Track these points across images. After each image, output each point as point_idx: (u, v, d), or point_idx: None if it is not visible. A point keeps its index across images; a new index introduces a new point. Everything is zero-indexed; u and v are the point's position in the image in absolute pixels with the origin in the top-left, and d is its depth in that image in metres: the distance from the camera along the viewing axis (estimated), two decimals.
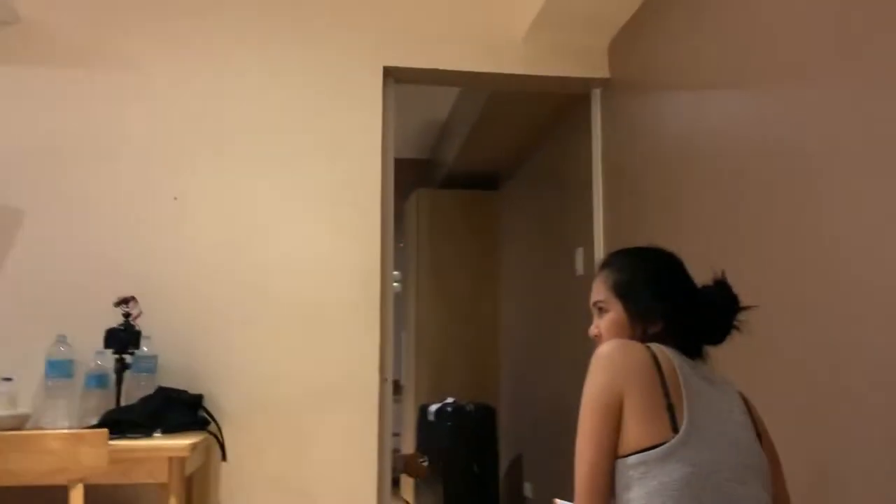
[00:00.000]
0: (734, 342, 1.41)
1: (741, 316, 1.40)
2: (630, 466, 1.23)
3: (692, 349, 1.40)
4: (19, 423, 2.36)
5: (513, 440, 4.83)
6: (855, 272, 1.62)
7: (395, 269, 3.20)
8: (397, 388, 5.52)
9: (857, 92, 1.64)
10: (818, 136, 1.76)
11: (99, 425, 2.26)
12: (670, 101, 2.59)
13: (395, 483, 5.30)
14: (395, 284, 3.11)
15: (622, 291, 1.44)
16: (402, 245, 5.73)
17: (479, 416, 4.63)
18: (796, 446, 1.68)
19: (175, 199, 2.83)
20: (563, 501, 1.51)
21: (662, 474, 1.21)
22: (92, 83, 2.84)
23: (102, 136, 2.82)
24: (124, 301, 2.55)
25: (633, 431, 1.24)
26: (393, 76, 3.09)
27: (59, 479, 1.80)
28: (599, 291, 1.47)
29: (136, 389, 2.54)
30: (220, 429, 2.62)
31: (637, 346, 1.33)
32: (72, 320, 2.63)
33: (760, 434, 1.36)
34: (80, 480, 1.82)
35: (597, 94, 3.26)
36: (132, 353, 2.54)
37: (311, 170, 2.92)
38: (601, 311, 1.47)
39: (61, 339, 2.53)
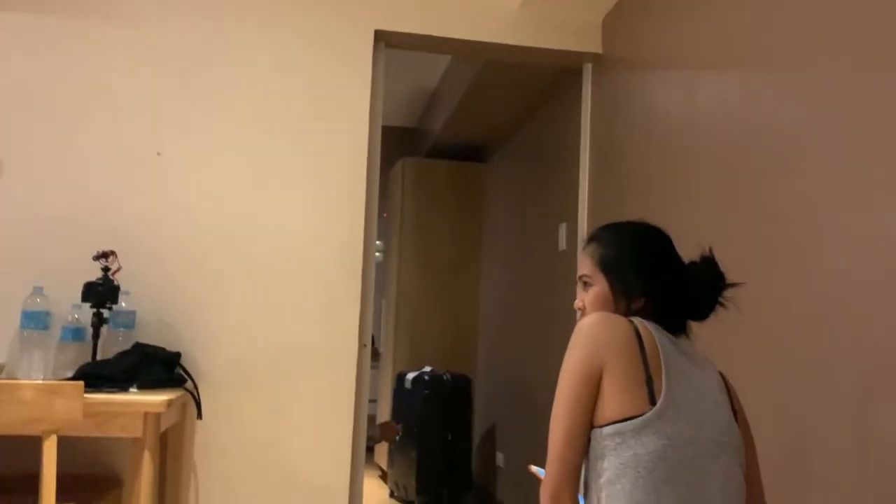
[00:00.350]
0: (714, 316, 1.43)
1: (727, 293, 1.41)
2: (606, 436, 1.25)
3: (675, 325, 1.41)
4: None
5: (488, 411, 4.87)
6: (836, 251, 1.63)
7: (378, 237, 3.19)
8: (375, 355, 5.53)
9: (850, 75, 1.64)
10: (810, 119, 1.77)
11: (74, 378, 2.24)
12: (662, 80, 2.58)
13: (370, 450, 5.34)
14: (376, 254, 3.10)
15: (607, 267, 1.44)
16: (385, 215, 5.71)
17: (455, 386, 4.66)
18: (771, 418, 1.71)
19: (158, 154, 2.79)
20: (538, 468, 1.53)
21: (637, 445, 1.22)
22: (75, 33, 2.78)
23: (86, 87, 2.77)
24: (104, 255, 2.53)
25: (611, 402, 1.26)
26: (384, 40, 3.05)
27: (32, 430, 1.80)
28: (585, 265, 1.48)
29: (113, 344, 2.52)
30: (196, 387, 2.61)
31: (619, 320, 1.34)
32: (50, 272, 2.60)
33: (736, 412, 1.37)
34: (54, 432, 1.81)
35: (588, 68, 3.25)
36: (110, 308, 2.52)
37: (297, 132, 2.89)
38: (586, 284, 1.47)
39: (38, 291, 2.50)
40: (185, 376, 2.59)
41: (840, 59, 1.67)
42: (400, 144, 5.84)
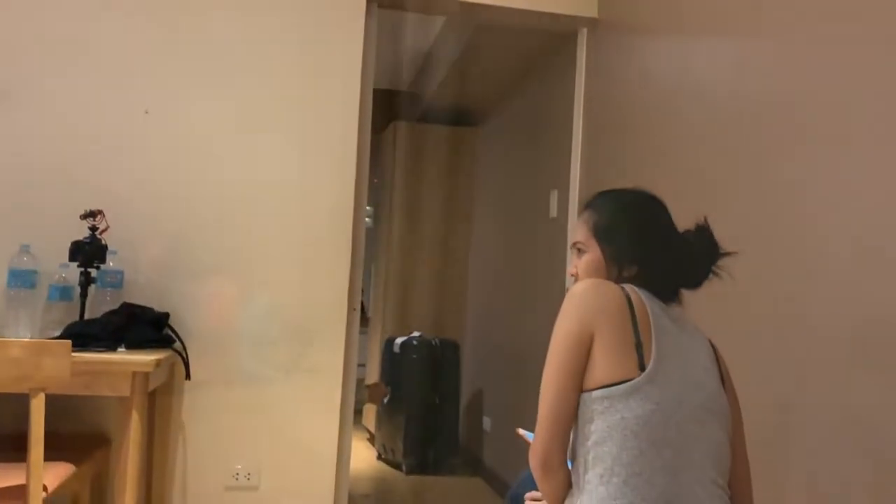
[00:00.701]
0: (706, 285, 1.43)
1: (721, 262, 1.41)
2: (594, 400, 1.26)
3: (667, 293, 1.41)
4: None
5: (475, 376, 4.90)
6: (827, 219, 1.63)
7: (369, 202, 3.16)
8: (364, 320, 5.54)
9: (845, 43, 1.62)
10: (806, 85, 1.76)
11: (62, 338, 2.23)
12: (657, 46, 2.55)
13: (357, 413, 5.38)
14: (367, 219, 3.08)
15: (600, 234, 1.44)
16: (376, 181, 5.68)
17: (443, 351, 4.69)
18: (758, 387, 1.73)
19: (146, 112, 2.75)
20: (525, 431, 1.54)
21: (625, 409, 1.23)
22: None
23: (72, 43, 2.71)
24: (91, 214, 2.50)
25: (601, 367, 1.26)
26: (376, 0, 3.00)
27: (20, 388, 1.79)
28: (580, 232, 1.48)
29: (101, 304, 2.51)
30: (185, 347, 2.61)
31: (611, 286, 1.34)
32: (37, 231, 2.57)
33: (724, 380, 1.38)
34: (42, 390, 1.81)
35: (583, 33, 3.21)
36: (98, 268, 2.50)
37: (287, 94, 2.85)
38: (580, 251, 1.47)
39: (25, 249, 2.48)
40: (174, 337, 2.58)
41: (837, 26, 1.66)
42: (392, 108, 5.78)
